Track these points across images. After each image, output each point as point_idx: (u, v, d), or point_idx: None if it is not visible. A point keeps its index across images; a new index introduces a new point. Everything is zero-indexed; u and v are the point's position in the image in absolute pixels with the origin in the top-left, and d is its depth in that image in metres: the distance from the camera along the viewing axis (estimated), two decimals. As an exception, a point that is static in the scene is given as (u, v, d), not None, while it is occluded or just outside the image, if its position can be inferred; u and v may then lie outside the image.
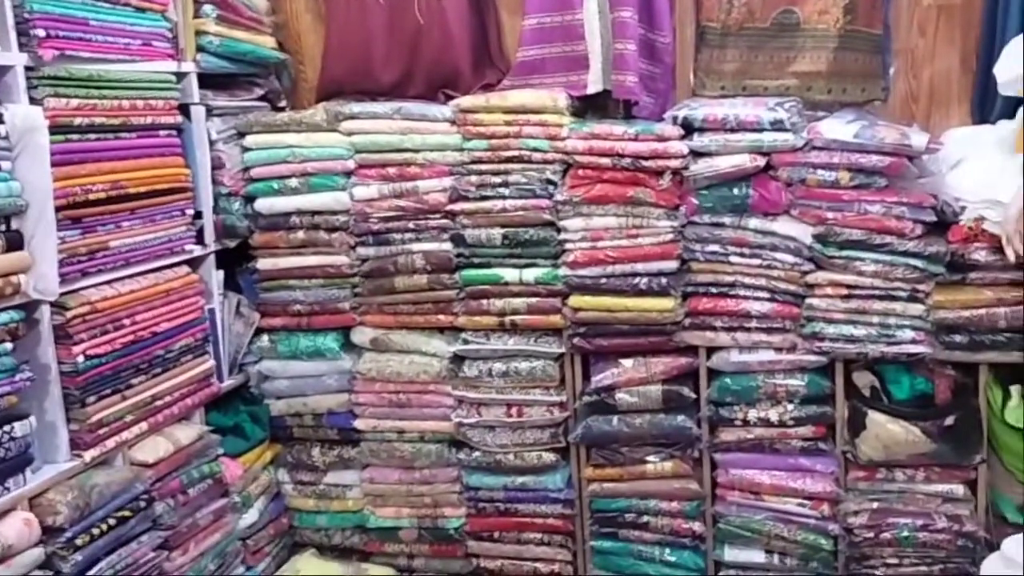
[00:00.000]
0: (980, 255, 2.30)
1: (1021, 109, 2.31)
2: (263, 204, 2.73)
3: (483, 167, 2.63)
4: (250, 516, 2.70)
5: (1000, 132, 2.40)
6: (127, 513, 2.20)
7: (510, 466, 2.72)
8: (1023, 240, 2.16)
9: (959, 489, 2.43)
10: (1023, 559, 1.98)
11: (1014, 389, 2.32)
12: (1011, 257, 2.19)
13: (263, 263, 2.78)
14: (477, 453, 2.75)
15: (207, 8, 2.62)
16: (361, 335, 2.78)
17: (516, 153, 2.59)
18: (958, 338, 2.36)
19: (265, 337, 2.81)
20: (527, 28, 2.72)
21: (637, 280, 2.54)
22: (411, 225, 2.69)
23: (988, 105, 2.54)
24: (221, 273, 2.71)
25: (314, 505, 2.89)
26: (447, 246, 2.68)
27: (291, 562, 2.84)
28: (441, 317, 2.72)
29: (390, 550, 2.87)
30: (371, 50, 2.79)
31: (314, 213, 2.72)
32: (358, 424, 2.80)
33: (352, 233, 2.71)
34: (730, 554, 2.62)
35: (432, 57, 2.78)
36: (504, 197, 2.61)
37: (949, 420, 2.37)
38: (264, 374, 2.83)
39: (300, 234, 2.73)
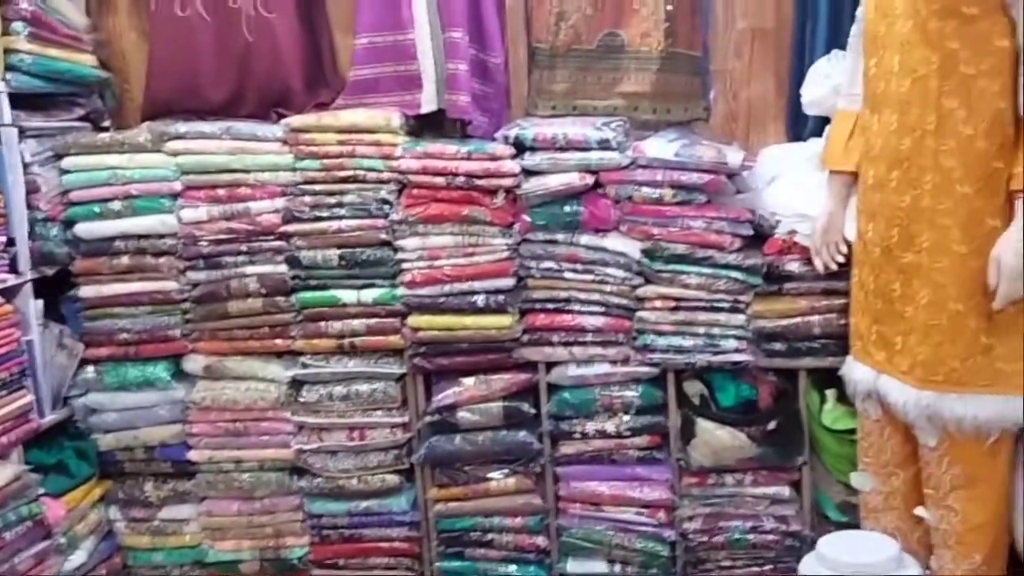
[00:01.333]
0: (794, 266, 2.41)
1: (827, 128, 2.44)
2: (84, 229, 2.60)
3: (317, 187, 2.59)
4: (77, 557, 2.55)
5: (811, 149, 2.53)
6: (-70, 562, 2.06)
7: (354, 491, 2.68)
8: (831, 252, 2.29)
9: (785, 491, 2.54)
10: (839, 556, 2.08)
11: (829, 393, 2.44)
12: (820, 268, 2.32)
13: (85, 291, 2.64)
14: (319, 479, 2.69)
15: (17, 25, 2.48)
16: (194, 363, 2.68)
17: (350, 173, 2.56)
18: (777, 346, 2.47)
19: (90, 368, 2.67)
20: (359, 47, 2.70)
21: (475, 298, 2.56)
22: (243, 248, 2.62)
23: (800, 124, 2.68)
24: (40, 303, 2.55)
25: (149, 542, 2.76)
26: (282, 268, 2.62)
27: (124, 603, 2.71)
28: (278, 341, 2.65)
29: (231, 584, 2.79)
30: (198, 68, 2.71)
31: (139, 237, 2.61)
32: (193, 456, 2.69)
33: (181, 257, 2.62)
34: (573, 566, 2.66)
35: (262, 75, 2.73)
36: (339, 217, 2.57)
37: (772, 424, 2.47)
38: (90, 407, 2.68)
39: (125, 259, 2.61)
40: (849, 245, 2.24)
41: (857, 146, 2.15)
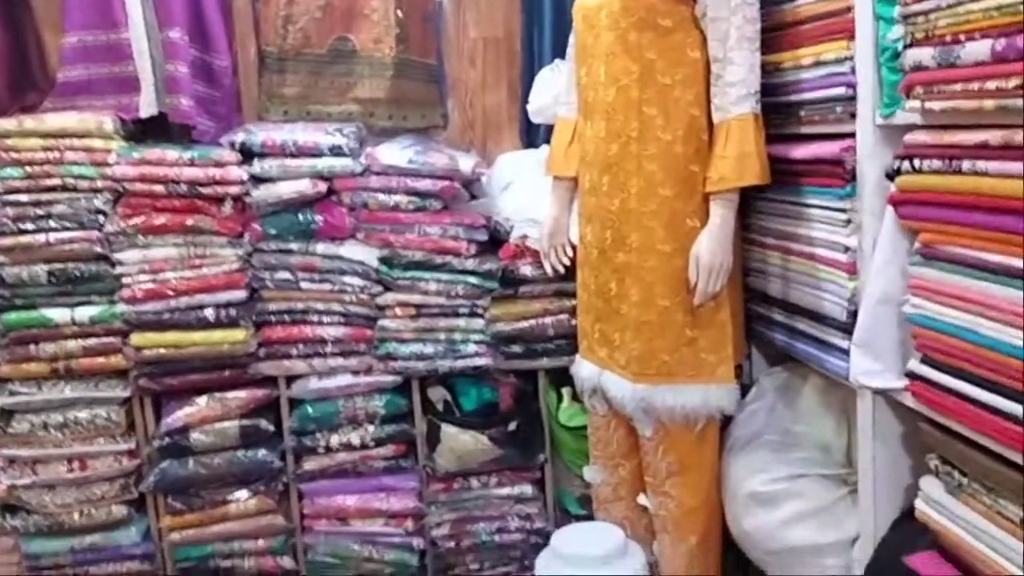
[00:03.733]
0: (527, 270, 2.46)
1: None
2: None
3: (21, 197, 2.36)
4: None
5: (541, 155, 2.60)
6: None
7: (76, 526, 2.47)
8: (558, 255, 2.36)
9: (528, 489, 2.59)
10: (569, 550, 2.14)
11: (565, 391, 2.51)
12: (548, 271, 2.38)
13: None
14: (36, 516, 2.46)
15: None
16: None
17: (58, 181, 2.36)
18: (515, 348, 2.51)
19: None
20: (68, 46, 2.49)
21: (204, 312, 2.42)
22: (-65, 265, 2.35)
23: (533, 131, 2.75)
24: None
25: None
26: (-18, 287, 2.38)
27: None
28: (-20, 368, 2.41)
29: (-66, 642, 2.49)
30: None
31: None
32: None
33: None
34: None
35: (-44, 76, 2.47)
36: (48, 230, 2.36)
37: (512, 426, 2.51)
38: None
39: None
40: (575, 248, 2.32)
41: (576, 152, 2.22)
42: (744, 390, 2.19)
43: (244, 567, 2.53)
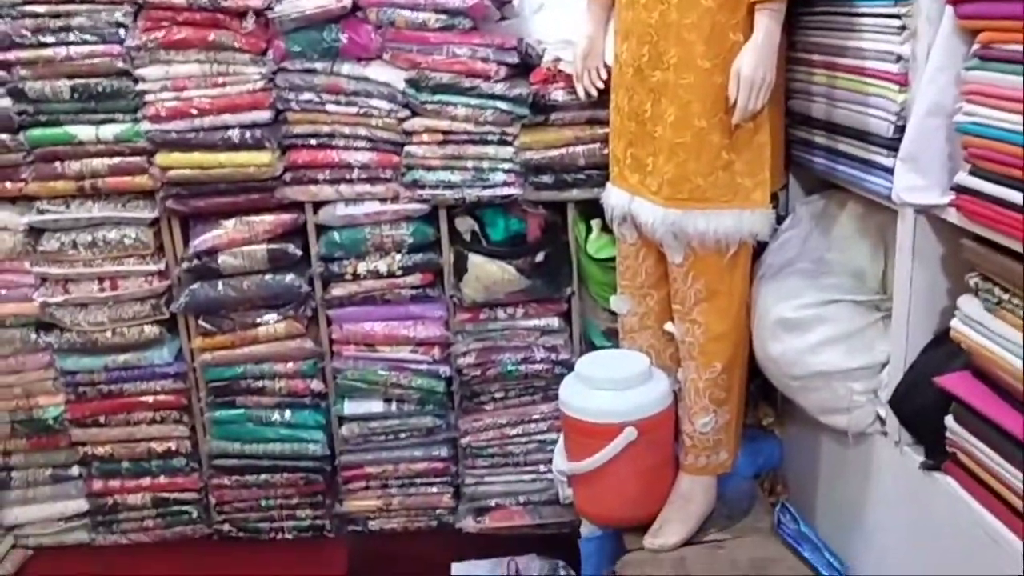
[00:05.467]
0: (559, 95, 2.36)
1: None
2: None
3: (38, 9, 2.28)
4: None
5: (577, -25, 2.47)
6: None
7: (109, 344, 2.51)
8: (592, 77, 2.27)
9: (554, 321, 2.58)
10: (595, 373, 2.14)
11: (594, 223, 2.47)
12: (581, 95, 2.29)
13: None
14: (70, 334, 2.50)
15: None
16: (-91, 210, 2.39)
17: (76, -9, 2.29)
18: (545, 178, 2.44)
19: None
20: None
21: (229, 133, 2.37)
22: (-43, 79, 2.32)
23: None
24: None
25: None
26: (6, 102, 2.33)
27: None
28: (8, 185, 2.39)
29: (-21, 449, 2.59)
30: None
31: None
32: (-81, 313, 2.45)
33: None
34: (350, 407, 2.62)
35: None
36: (68, 43, 2.30)
37: (539, 257, 2.48)
38: None
39: None
40: (609, 71, 2.22)
41: (613, -35, 2.10)
42: (779, 221, 2.14)
43: (275, 388, 2.58)
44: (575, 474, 2.17)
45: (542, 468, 2.64)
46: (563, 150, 2.41)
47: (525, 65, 2.41)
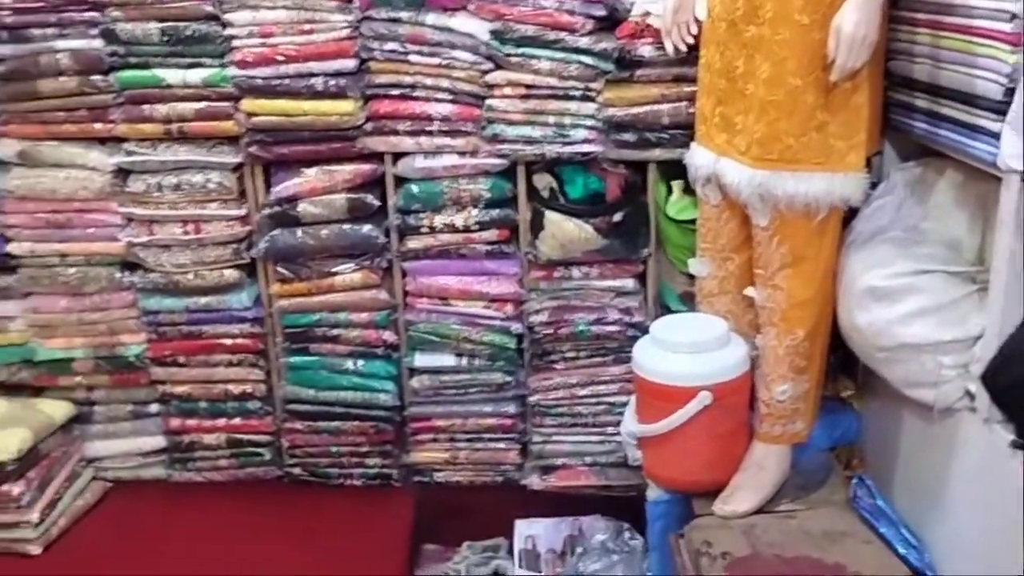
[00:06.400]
0: (646, 51, 2.31)
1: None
2: None
3: (132, -50, 2.33)
4: None
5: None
6: None
7: (191, 287, 2.56)
8: (682, 32, 2.21)
9: (629, 282, 2.55)
10: (670, 337, 2.11)
11: (676, 184, 2.42)
12: (669, 51, 2.24)
13: None
14: (153, 275, 2.56)
15: None
16: (5, 148, 2.46)
17: (169, -67, 2.31)
18: (627, 136, 2.40)
19: None
20: None
21: (313, 81, 2.39)
22: (53, 19, 2.36)
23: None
24: None
25: (-28, 340, 2.62)
26: (97, 43, 2.38)
27: (-53, 403, 2.58)
28: (97, 126, 2.45)
29: (65, 383, 2.66)
30: None
31: (-70, 2, 2.32)
32: (12, 248, 2.53)
33: (-20, 28, 2.36)
34: (421, 360, 2.64)
35: None
36: (159, -14, 2.34)
37: (618, 216, 2.45)
38: None
39: (-84, 27, 2.34)
40: (700, 26, 2.15)
41: (708, -85, 2.03)
42: (872, 188, 2.06)
43: (348, 337, 2.60)
44: (646, 436, 2.14)
45: (610, 430, 2.62)
46: (647, 108, 2.36)
47: (612, 18, 2.36)
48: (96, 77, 2.39)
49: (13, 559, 2.43)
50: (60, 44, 2.37)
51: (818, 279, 2.00)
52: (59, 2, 2.34)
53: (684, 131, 2.32)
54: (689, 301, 2.40)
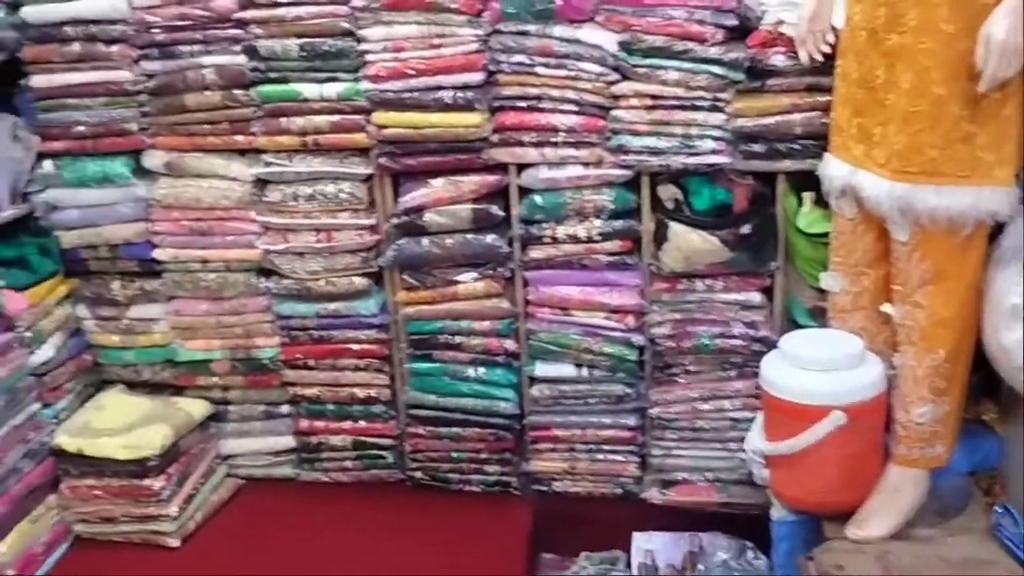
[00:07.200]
0: (778, 60, 2.27)
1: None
2: (31, 12, 2.47)
3: (274, -30, 2.43)
4: (44, 352, 2.55)
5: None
6: None
7: (321, 293, 2.65)
8: (817, 41, 2.16)
9: (755, 296, 2.50)
10: (802, 353, 2.06)
11: (807, 196, 2.36)
12: (804, 60, 2.19)
13: (37, 80, 2.54)
14: (287, 281, 2.66)
15: None
16: (153, 159, 2.60)
17: (305, -47, 2.40)
18: (756, 147, 2.36)
19: (48, 163, 2.60)
20: None
21: (442, 94, 2.44)
22: (199, 36, 2.48)
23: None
24: (-10, 92, 2.47)
25: (119, 341, 2.76)
26: (240, 59, 2.49)
27: (96, 398, 2.73)
28: (239, 137, 2.56)
29: (203, 383, 2.79)
30: None
31: (89, 22, 2.47)
32: (158, 254, 2.66)
33: (134, 45, 2.49)
34: (541, 369, 2.66)
35: None
36: (299, 3, 2.42)
37: (746, 229, 2.40)
38: (51, 204, 2.63)
39: (76, 46, 2.49)
40: (836, 34, 2.10)
41: (846, -81, 1.97)
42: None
43: (470, 344, 2.64)
44: (773, 455, 2.10)
45: (732, 446, 2.58)
46: (778, 118, 2.32)
47: (742, 27, 2.33)
48: (238, 91, 2.51)
49: (153, 550, 2.56)
50: (206, 60, 2.50)
51: (961, 297, 1.92)
52: (205, 20, 2.46)
53: (816, 141, 2.27)
54: (819, 316, 2.34)
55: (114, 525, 2.58)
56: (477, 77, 2.43)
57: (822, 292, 2.26)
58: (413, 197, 2.54)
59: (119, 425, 2.58)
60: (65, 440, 2.53)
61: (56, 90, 2.54)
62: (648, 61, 2.35)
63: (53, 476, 2.57)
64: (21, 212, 2.59)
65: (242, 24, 2.46)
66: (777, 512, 2.31)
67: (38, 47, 2.50)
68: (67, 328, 2.68)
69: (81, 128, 2.56)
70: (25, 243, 2.60)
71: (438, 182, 2.54)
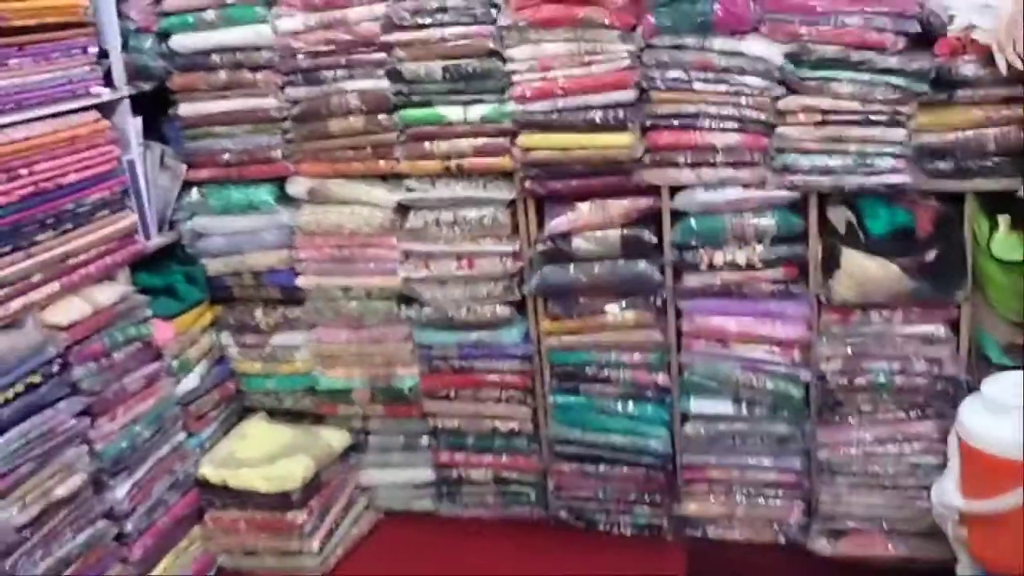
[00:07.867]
0: (969, 69, 2.04)
1: None
2: (179, 41, 2.48)
3: (419, -8, 2.36)
4: (190, 381, 2.55)
5: (999, -72, 2.10)
6: (37, 379, 2.05)
7: (463, 322, 2.56)
8: (1018, 48, 1.92)
9: (940, 330, 2.26)
10: (1009, 400, 1.82)
11: (1002, 219, 2.11)
12: (1003, 68, 1.95)
13: (184, 108, 2.55)
14: (428, 309, 2.58)
15: None
16: (297, 186, 2.56)
17: (447, -28, 2.31)
18: (942, 165, 2.13)
19: (195, 191, 2.60)
20: None
21: (591, 114, 2.31)
22: (343, 61, 2.43)
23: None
24: (139, 120, 2.46)
25: (261, 368, 2.75)
26: (383, 83, 2.43)
27: (239, 427, 2.71)
28: (381, 163, 2.49)
29: (343, 412, 2.74)
30: None
31: (235, 50, 2.46)
32: (301, 282, 2.63)
33: (279, 71, 2.47)
34: (696, 405, 2.48)
35: None
36: (443, 24, 2.34)
37: (930, 255, 2.18)
38: (197, 232, 2.64)
39: (222, 74, 2.49)
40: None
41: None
42: None
43: (619, 378, 2.50)
44: (972, 513, 1.86)
45: (912, 493, 2.34)
46: (969, 132, 2.09)
47: (925, 34, 2.10)
48: (381, 116, 2.44)
49: (296, 585, 2.52)
50: (349, 85, 2.44)
51: None
52: (350, 45, 2.41)
53: (1014, 158, 2.02)
54: (1015, 354, 2.08)
55: (258, 559, 2.56)
56: (629, 95, 2.29)
57: (1020, 327, 2.01)
58: (560, 222, 2.41)
59: (261, 455, 2.56)
60: (209, 471, 2.52)
61: (202, 118, 2.55)
62: (819, 73, 2.15)
63: (197, 506, 2.56)
64: (169, 240, 2.61)
65: (386, 47, 2.39)
66: (966, 570, 2.07)
67: (185, 75, 2.51)
68: (212, 356, 2.68)
69: (226, 156, 2.55)
70: (173, 271, 2.61)
71: (585, 206, 2.40)
